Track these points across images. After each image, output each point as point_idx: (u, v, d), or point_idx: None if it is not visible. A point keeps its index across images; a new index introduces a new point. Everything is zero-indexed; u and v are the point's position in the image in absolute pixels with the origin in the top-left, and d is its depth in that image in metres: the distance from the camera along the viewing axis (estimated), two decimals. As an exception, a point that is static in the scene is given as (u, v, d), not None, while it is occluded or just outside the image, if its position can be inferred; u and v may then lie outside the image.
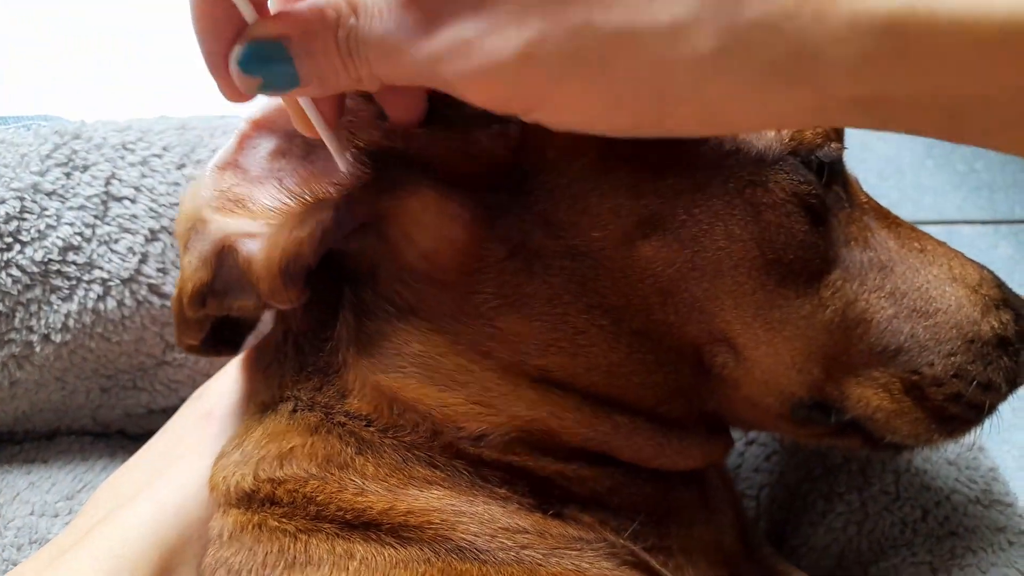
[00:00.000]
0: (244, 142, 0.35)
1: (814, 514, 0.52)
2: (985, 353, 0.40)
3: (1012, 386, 0.42)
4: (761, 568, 0.43)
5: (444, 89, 0.28)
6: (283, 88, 0.29)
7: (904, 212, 0.89)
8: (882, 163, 0.90)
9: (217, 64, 0.29)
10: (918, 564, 0.49)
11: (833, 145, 0.36)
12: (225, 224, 0.33)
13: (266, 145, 0.35)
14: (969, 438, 0.55)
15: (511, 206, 0.34)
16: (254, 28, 0.28)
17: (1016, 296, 0.42)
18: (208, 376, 0.49)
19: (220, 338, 0.39)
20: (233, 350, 0.42)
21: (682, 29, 0.24)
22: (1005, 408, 0.80)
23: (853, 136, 0.99)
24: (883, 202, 0.91)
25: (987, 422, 0.45)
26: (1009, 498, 0.52)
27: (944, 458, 0.53)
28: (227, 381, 0.45)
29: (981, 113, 0.24)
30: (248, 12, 0.28)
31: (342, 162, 0.32)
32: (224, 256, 0.33)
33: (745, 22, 0.24)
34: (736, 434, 0.57)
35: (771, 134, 0.35)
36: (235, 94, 0.29)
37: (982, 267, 0.42)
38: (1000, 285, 0.42)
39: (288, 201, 0.33)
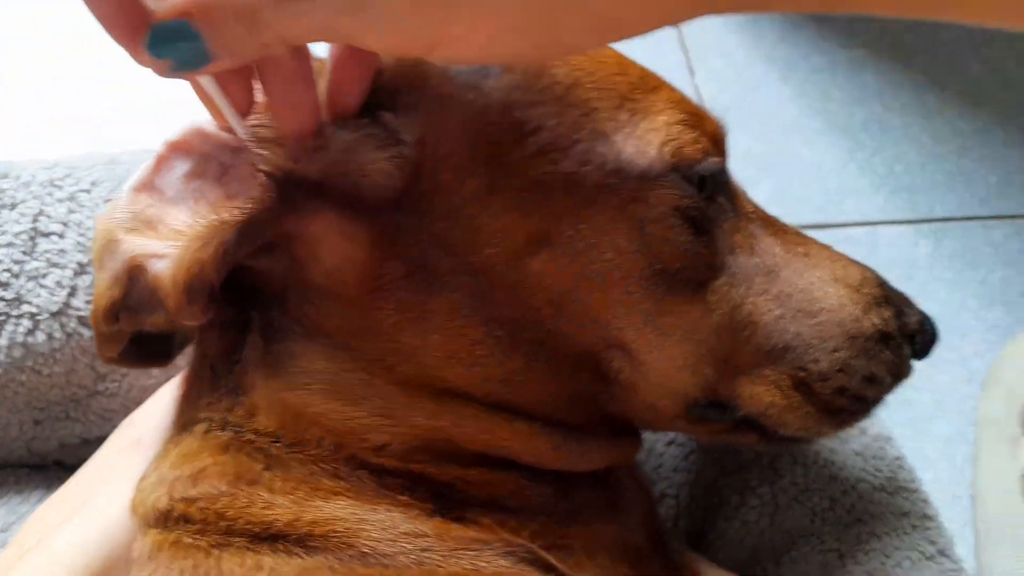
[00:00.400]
0: (161, 164, 0.36)
1: (729, 509, 0.54)
2: (868, 348, 0.42)
3: (896, 378, 0.44)
4: (670, 563, 0.45)
5: (348, 41, 0.29)
6: (196, 65, 0.29)
7: (828, 215, 0.94)
8: (805, 168, 0.93)
9: (135, 50, 0.29)
10: (826, 551, 0.51)
11: (712, 159, 0.38)
12: (136, 244, 0.35)
13: (182, 167, 0.36)
14: (876, 429, 0.58)
15: (408, 226, 0.36)
16: (157, 11, 0.28)
17: (898, 293, 0.45)
18: (140, 404, 0.50)
19: (145, 350, 0.40)
20: (160, 362, 0.43)
21: None
22: (926, 401, 0.84)
23: (777, 145, 1.02)
24: (807, 206, 0.95)
25: (881, 412, 0.48)
26: (914, 485, 0.55)
27: (851, 449, 0.55)
28: (155, 408, 0.47)
29: None
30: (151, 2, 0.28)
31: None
32: (135, 275, 0.35)
33: None
34: (656, 436, 0.59)
35: (652, 152, 0.37)
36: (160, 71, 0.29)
37: (865, 267, 0.44)
38: (882, 284, 0.44)
39: (194, 222, 0.34)
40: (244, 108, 0.34)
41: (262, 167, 0.34)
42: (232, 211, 0.33)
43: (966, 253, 0.88)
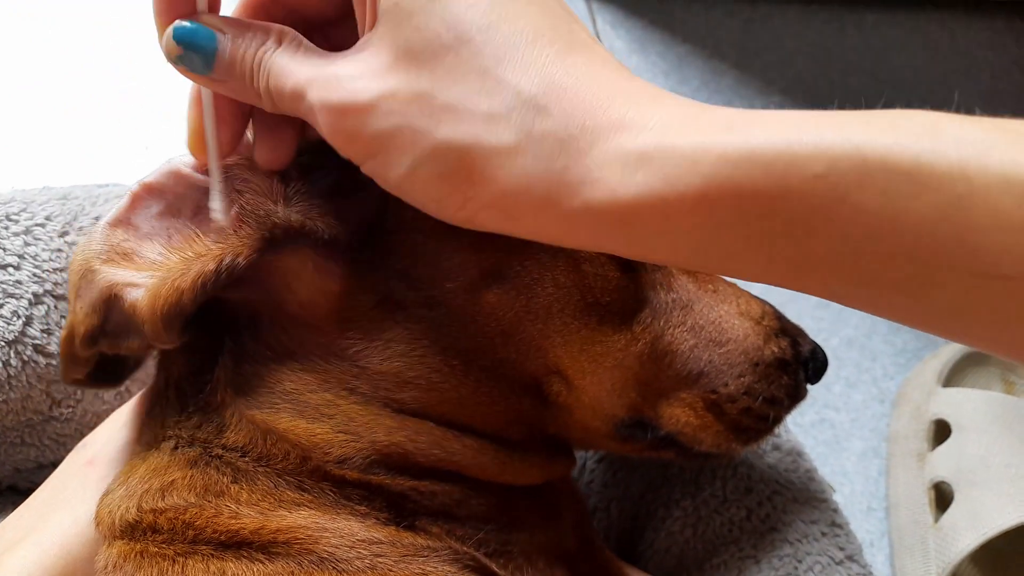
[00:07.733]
0: (136, 202, 0.38)
1: (656, 520, 0.58)
2: (768, 374, 0.46)
3: (794, 400, 0.48)
4: (598, 566, 0.49)
5: (307, 117, 0.33)
6: (196, 67, 0.33)
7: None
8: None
9: (163, 27, 0.34)
10: (744, 558, 0.55)
11: None
12: (112, 274, 0.36)
13: (157, 206, 0.38)
14: (789, 444, 0.62)
15: (377, 263, 0.39)
16: (203, 15, 0.33)
17: (793, 325, 0.50)
18: (93, 428, 0.52)
19: (100, 373, 0.42)
20: (114, 383, 0.45)
21: (494, 118, 0.29)
22: (843, 419, 0.89)
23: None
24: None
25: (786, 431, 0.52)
26: (824, 495, 0.59)
27: (766, 463, 0.60)
28: (109, 430, 0.49)
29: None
30: (202, 3, 0.33)
31: (216, 198, 0.36)
32: (112, 303, 0.37)
33: (539, 130, 0.29)
34: (588, 454, 0.63)
35: None
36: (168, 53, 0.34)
37: (764, 302, 0.49)
38: (779, 317, 0.49)
39: (170, 255, 0.36)
40: (228, 146, 0.37)
41: (247, 210, 0.36)
42: (211, 246, 0.36)
43: (876, 283, 0.94)
